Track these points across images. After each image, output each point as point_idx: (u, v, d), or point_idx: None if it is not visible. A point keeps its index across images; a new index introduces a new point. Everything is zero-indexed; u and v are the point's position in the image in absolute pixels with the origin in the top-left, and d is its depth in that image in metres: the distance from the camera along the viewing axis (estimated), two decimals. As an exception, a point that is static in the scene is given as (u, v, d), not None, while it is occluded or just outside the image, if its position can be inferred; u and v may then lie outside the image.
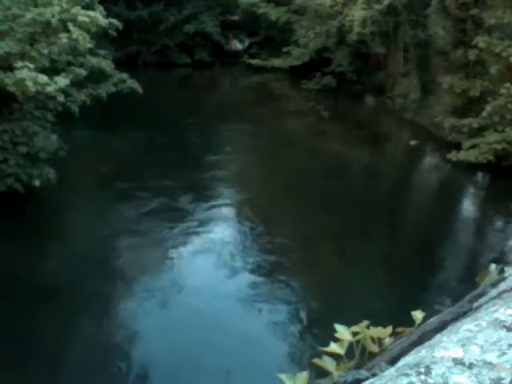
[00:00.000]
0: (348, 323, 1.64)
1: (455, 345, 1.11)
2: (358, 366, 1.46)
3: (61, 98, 13.78)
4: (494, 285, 1.62)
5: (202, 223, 14.88)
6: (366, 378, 1.22)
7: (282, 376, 1.40)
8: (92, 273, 12.11)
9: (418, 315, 1.69)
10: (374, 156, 21.84)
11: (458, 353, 1.07)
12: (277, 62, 32.30)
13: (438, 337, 1.29)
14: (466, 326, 1.20)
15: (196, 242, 13.87)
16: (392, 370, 1.13)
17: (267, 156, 20.47)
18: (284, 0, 32.45)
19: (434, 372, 1.01)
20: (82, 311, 10.89)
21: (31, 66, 12.69)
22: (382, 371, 1.21)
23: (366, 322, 1.60)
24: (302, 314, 11.19)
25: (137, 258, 13.02)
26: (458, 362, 1.04)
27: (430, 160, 22.80)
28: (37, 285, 11.35)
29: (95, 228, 14.30)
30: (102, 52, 18.61)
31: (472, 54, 20.14)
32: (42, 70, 13.37)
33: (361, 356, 1.53)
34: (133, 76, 18.87)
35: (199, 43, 34.24)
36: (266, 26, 34.69)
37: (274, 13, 32.59)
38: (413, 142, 22.08)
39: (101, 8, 16.22)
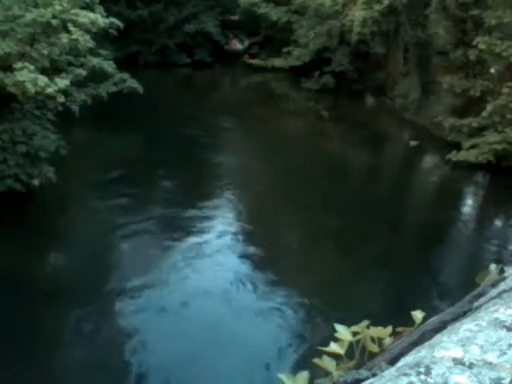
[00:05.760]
0: (348, 322, 1.64)
1: (455, 345, 1.11)
2: (357, 366, 1.46)
3: (61, 99, 13.79)
4: (494, 285, 1.62)
5: (203, 222, 14.87)
6: (366, 378, 1.22)
7: (282, 376, 1.40)
8: (91, 272, 12.11)
9: (418, 315, 1.69)
10: (374, 156, 21.84)
11: (457, 353, 1.07)
12: (277, 62, 32.27)
13: (438, 337, 1.29)
14: (465, 326, 1.20)
15: (196, 242, 13.86)
16: (392, 370, 1.13)
17: (267, 155, 20.46)
18: (284, 0, 32.44)
19: (434, 372, 1.01)
20: (81, 311, 10.89)
21: (31, 67, 12.70)
22: (382, 371, 1.21)
23: (366, 322, 1.59)
24: (302, 313, 11.19)
25: (136, 258, 13.02)
26: (458, 361, 1.04)
27: (429, 160, 22.80)
28: (37, 284, 11.36)
29: (94, 227, 14.30)
30: (103, 52, 18.61)
31: (472, 54, 20.12)
32: (43, 70, 13.38)
33: (361, 356, 1.52)
34: (133, 76, 18.87)
35: (199, 43, 34.23)
36: (265, 26, 34.67)
37: (274, 13, 32.56)
38: (413, 143, 22.06)
39: (101, 8, 16.22)
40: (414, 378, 1.00)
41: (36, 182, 14.39)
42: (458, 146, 19.60)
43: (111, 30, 16.32)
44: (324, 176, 18.61)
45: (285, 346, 10.23)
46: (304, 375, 1.40)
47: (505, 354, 1.07)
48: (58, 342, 10.23)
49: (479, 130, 19.51)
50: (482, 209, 18.15)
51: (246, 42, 37.36)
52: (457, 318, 1.45)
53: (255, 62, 33.53)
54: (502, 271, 1.82)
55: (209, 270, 12.64)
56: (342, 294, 11.71)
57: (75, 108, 15.80)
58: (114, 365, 9.64)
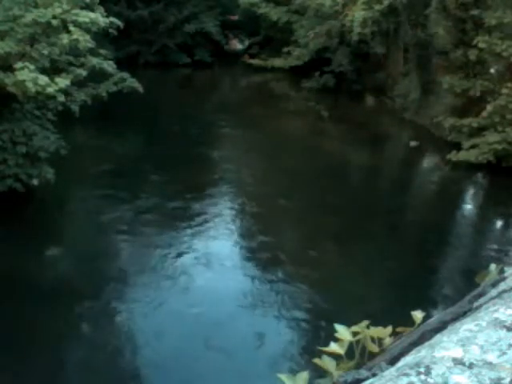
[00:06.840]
0: (348, 322, 1.64)
1: (455, 345, 1.11)
2: (357, 366, 1.46)
3: (61, 99, 13.79)
4: (494, 285, 1.62)
5: (202, 223, 14.87)
6: (366, 378, 1.22)
7: (282, 376, 1.40)
8: (91, 272, 12.12)
9: (418, 315, 1.69)
10: (374, 156, 21.84)
11: (457, 353, 1.07)
12: (277, 62, 32.26)
13: (438, 337, 1.29)
14: (466, 326, 1.20)
15: (195, 242, 13.86)
16: (392, 370, 1.13)
17: (267, 155, 20.47)
18: (284, 0, 32.44)
19: (433, 372, 1.01)
20: (81, 311, 10.90)
21: (31, 66, 12.70)
22: (382, 371, 1.21)
23: (366, 322, 1.59)
24: (302, 313, 11.19)
25: (135, 258, 13.02)
26: (458, 361, 1.04)
27: (429, 160, 22.79)
28: (36, 283, 11.36)
29: (93, 226, 14.30)
30: (103, 52, 18.59)
31: (472, 54, 20.11)
32: (43, 70, 13.38)
33: (361, 356, 1.52)
34: (133, 76, 18.86)
35: (199, 43, 34.22)
36: (265, 26, 34.67)
37: (274, 13, 32.56)
38: (413, 143, 22.04)
39: (101, 8, 16.22)
40: (414, 378, 1.00)
41: (35, 182, 14.39)
42: (458, 146, 19.59)
43: (111, 30, 16.32)
44: (324, 176, 18.60)
45: (283, 344, 10.23)
46: (304, 375, 1.40)
47: (505, 354, 1.07)
48: (58, 341, 10.22)
49: (479, 130, 19.50)
50: (482, 209, 18.14)
51: (246, 42, 37.37)
52: (457, 318, 1.45)
53: (255, 62, 33.51)
54: (501, 271, 1.82)
55: (207, 267, 12.63)
56: (341, 294, 11.71)
57: (75, 108, 15.80)
58: (114, 363, 9.65)
